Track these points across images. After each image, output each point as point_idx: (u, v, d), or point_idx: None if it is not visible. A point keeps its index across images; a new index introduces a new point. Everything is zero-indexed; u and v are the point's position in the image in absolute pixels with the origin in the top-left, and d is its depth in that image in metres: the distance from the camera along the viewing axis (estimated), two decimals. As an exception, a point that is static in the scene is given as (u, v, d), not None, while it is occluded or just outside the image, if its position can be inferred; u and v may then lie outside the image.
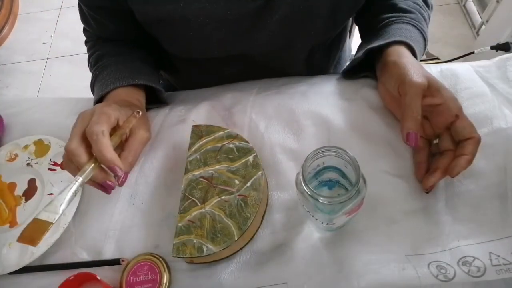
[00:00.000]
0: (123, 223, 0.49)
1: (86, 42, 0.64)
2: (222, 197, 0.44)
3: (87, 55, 0.63)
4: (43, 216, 0.39)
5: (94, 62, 0.60)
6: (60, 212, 0.40)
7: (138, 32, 0.57)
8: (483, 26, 1.57)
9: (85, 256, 0.47)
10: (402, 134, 0.46)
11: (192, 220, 0.44)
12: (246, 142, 0.48)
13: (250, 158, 0.47)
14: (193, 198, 0.45)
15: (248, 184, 0.45)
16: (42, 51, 1.87)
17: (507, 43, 1.19)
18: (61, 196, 0.40)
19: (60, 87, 1.75)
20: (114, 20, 0.56)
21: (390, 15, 0.56)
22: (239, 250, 0.45)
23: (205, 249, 0.41)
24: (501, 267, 0.40)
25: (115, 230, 0.49)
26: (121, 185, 0.46)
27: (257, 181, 0.45)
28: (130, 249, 0.47)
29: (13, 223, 0.51)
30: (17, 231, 0.48)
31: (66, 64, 1.82)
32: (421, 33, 0.55)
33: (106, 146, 0.43)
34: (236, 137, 0.49)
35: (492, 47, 1.20)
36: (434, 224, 0.45)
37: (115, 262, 0.46)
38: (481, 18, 1.58)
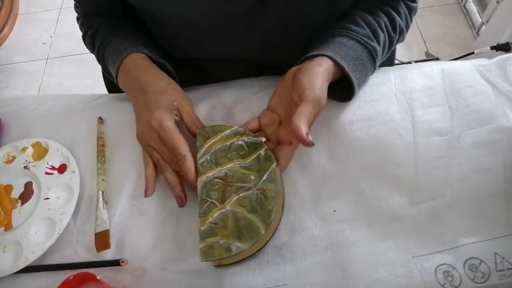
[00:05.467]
0: (123, 224, 0.49)
1: (78, 19, 0.63)
2: (241, 194, 0.44)
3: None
4: (99, 228, 0.47)
5: (91, 42, 0.60)
6: (106, 219, 0.48)
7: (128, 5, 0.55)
8: (483, 26, 1.57)
9: (85, 256, 0.47)
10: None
11: (214, 222, 0.43)
12: (255, 136, 0.48)
13: (262, 151, 0.46)
14: (211, 200, 0.44)
15: (264, 177, 0.45)
16: (42, 51, 1.87)
17: (507, 43, 1.18)
18: (99, 209, 0.49)
19: (60, 88, 1.74)
20: None
21: (342, 26, 0.51)
22: (265, 244, 0.45)
23: (233, 248, 0.41)
24: (504, 272, 0.41)
25: (115, 230, 0.48)
26: None
27: (273, 173, 0.45)
28: (130, 249, 0.47)
29: (8, 227, 0.50)
30: (12, 234, 0.48)
31: (66, 64, 1.81)
32: (367, 48, 0.50)
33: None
34: (244, 133, 0.48)
35: (492, 48, 1.19)
36: (439, 221, 0.45)
37: (115, 262, 0.46)
38: (481, 18, 1.58)
